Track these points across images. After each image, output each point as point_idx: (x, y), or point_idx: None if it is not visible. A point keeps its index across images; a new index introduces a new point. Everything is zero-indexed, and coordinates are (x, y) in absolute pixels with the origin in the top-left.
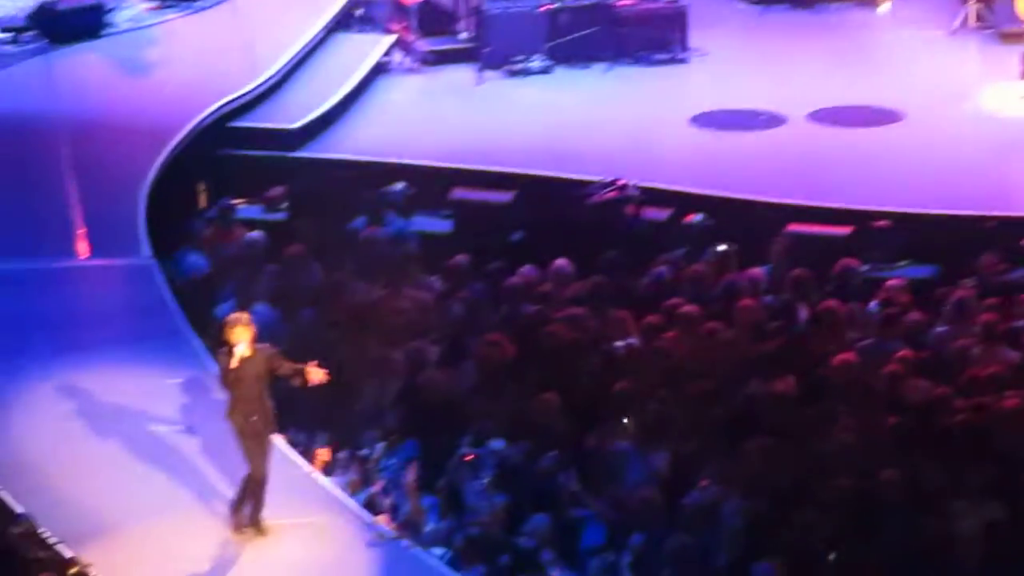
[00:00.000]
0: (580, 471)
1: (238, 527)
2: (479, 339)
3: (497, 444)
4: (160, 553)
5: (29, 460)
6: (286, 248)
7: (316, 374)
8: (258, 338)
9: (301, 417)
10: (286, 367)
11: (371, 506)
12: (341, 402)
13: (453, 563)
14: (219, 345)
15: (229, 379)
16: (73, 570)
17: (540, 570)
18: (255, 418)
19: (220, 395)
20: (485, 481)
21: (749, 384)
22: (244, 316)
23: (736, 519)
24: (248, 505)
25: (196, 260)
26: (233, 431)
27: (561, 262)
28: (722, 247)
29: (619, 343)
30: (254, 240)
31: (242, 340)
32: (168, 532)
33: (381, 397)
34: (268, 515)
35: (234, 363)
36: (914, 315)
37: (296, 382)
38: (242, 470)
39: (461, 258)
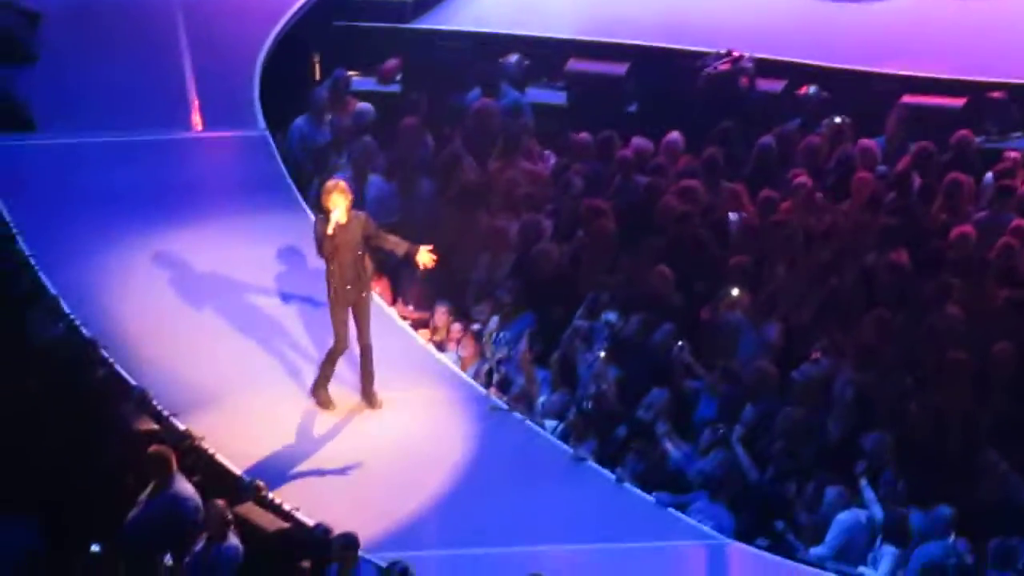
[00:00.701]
0: (693, 344)
1: (325, 402)
2: (587, 209)
3: (610, 316)
4: (266, 423)
5: (138, 331)
6: (401, 120)
7: (424, 256)
8: (372, 210)
9: (414, 290)
10: (385, 238)
11: (484, 379)
12: (454, 275)
13: (564, 436)
14: (317, 212)
15: (325, 246)
16: (186, 443)
17: (654, 442)
18: (350, 287)
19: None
20: (599, 354)
21: (864, 256)
22: (341, 183)
23: (848, 391)
24: (360, 377)
25: (311, 131)
26: (328, 298)
27: (674, 135)
28: (837, 119)
29: (733, 216)
30: (364, 111)
31: (339, 206)
32: (274, 402)
33: (495, 270)
34: (379, 387)
35: (330, 229)
36: None
37: (399, 253)
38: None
39: (579, 133)
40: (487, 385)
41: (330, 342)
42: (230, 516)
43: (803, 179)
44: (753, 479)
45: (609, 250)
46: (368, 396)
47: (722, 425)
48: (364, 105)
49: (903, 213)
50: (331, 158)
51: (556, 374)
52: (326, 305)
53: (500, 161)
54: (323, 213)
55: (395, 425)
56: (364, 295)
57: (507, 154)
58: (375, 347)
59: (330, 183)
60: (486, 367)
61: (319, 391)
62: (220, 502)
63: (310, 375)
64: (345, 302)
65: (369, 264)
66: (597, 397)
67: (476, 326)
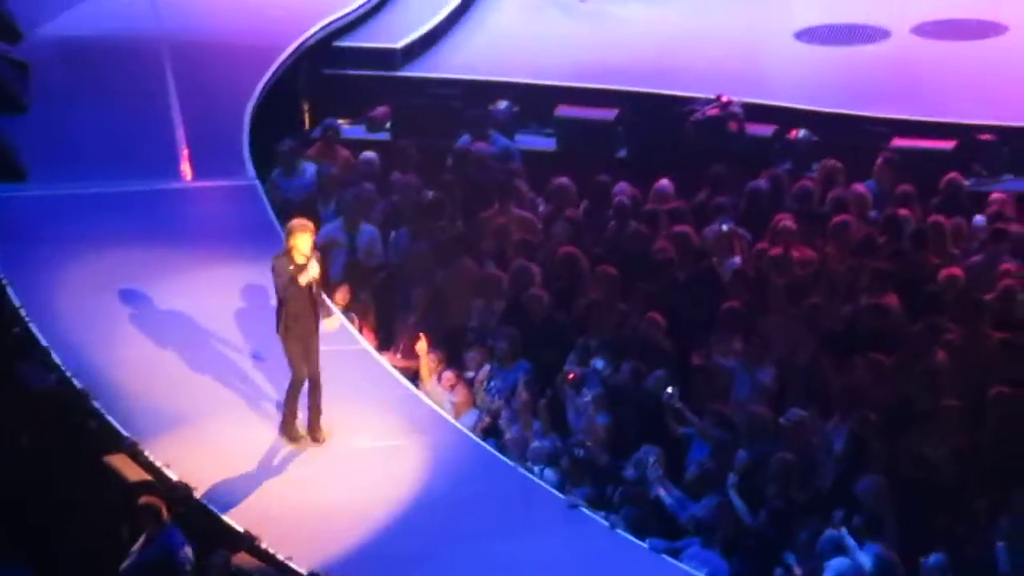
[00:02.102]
0: (685, 389)
1: (296, 438)
2: (586, 260)
3: (598, 363)
4: (261, 470)
5: (130, 381)
6: (391, 168)
7: (330, 323)
8: (365, 257)
9: (404, 338)
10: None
11: (478, 427)
12: (446, 322)
13: (560, 485)
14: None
15: (286, 284)
16: (179, 492)
17: (646, 488)
18: (300, 322)
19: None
20: (588, 400)
21: (856, 300)
22: (308, 223)
23: (841, 436)
24: (305, 411)
25: (300, 180)
26: (279, 333)
27: (663, 181)
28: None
29: (726, 260)
30: (368, 159)
31: (303, 246)
32: (273, 452)
33: (486, 317)
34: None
35: (292, 268)
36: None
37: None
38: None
39: (565, 179)
40: (480, 433)
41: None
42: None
43: (788, 222)
44: (747, 524)
45: (612, 296)
46: (314, 431)
47: (715, 470)
48: (369, 154)
49: (894, 256)
50: (318, 207)
51: (546, 420)
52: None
53: (491, 208)
54: (286, 251)
55: (384, 472)
56: (315, 328)
57: (498, 200)
58: (367, 394)
59: (298, 222)
60: (480, 414)
61: (288, 428)
62: (223, 551)
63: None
64: (296, 336)
65: (320, 299)
66: (588, 445)
67: (469, 373)
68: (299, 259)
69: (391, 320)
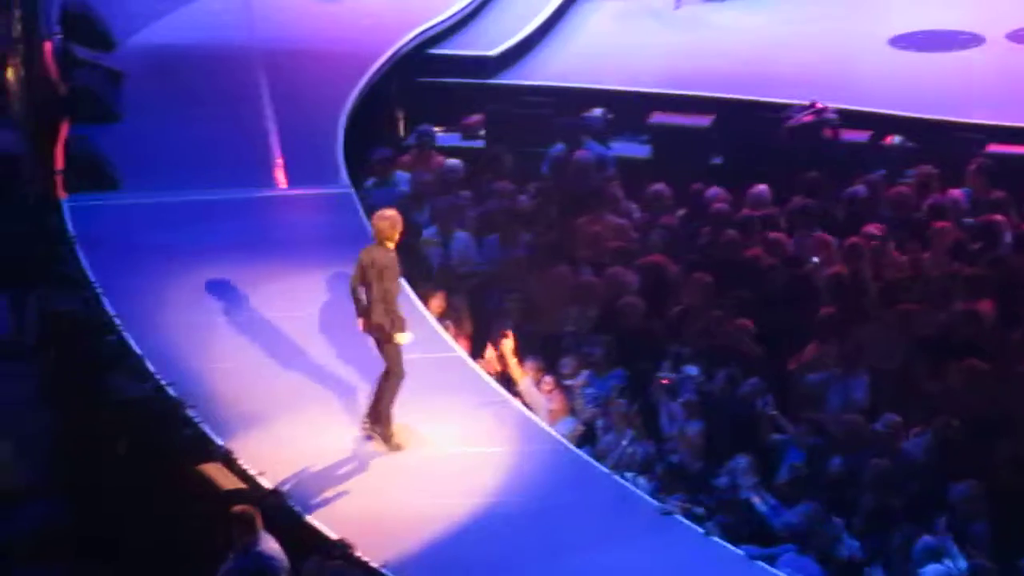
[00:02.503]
0: (780, 396)
1: (391, 440)
2: (681, 269)
3: (691, 370)
4: (358, 476)
5: (225, 390)
6: (485, 175)
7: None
8: (459, 265)
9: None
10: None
11: (573, 434)
12: (542, 329)
13: (654, 492)
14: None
15: (361, 275)
16: (270, 500)
17: (739, 498)
18: (387, 317)
19: None
20: (681, 407)
21: (951, 307)
22: (390, 212)
23: (935, 443)
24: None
25: (393, 190)
26: (389, 332)
27: (760, 187)
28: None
29: (819, 266)
30: (453, 167)
31: (386, 237)
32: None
33: (581, 324)
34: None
35: (367, 258)
36: None
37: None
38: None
39: (660, 186)
40: (577, 441)
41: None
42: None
43: (872, 229)
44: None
45: (706, 303)
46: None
47: (810, 476)
48: (454, 161)
49: (990, 263)
50: (412, 213)
51: (639, 427)
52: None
53: (587, 215)
54: (382, 244)
55: (477, 479)
56: (396, 327)
57: (593, 208)
58: (462, 401)
59: (379, 212)
60: (577, 424)
61: (388, 431)
62: (317, 559)
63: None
64: (381, 332)
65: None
66: (681, 451)
67: (566, 381)
68: (371, 249)
69: (486, 327)
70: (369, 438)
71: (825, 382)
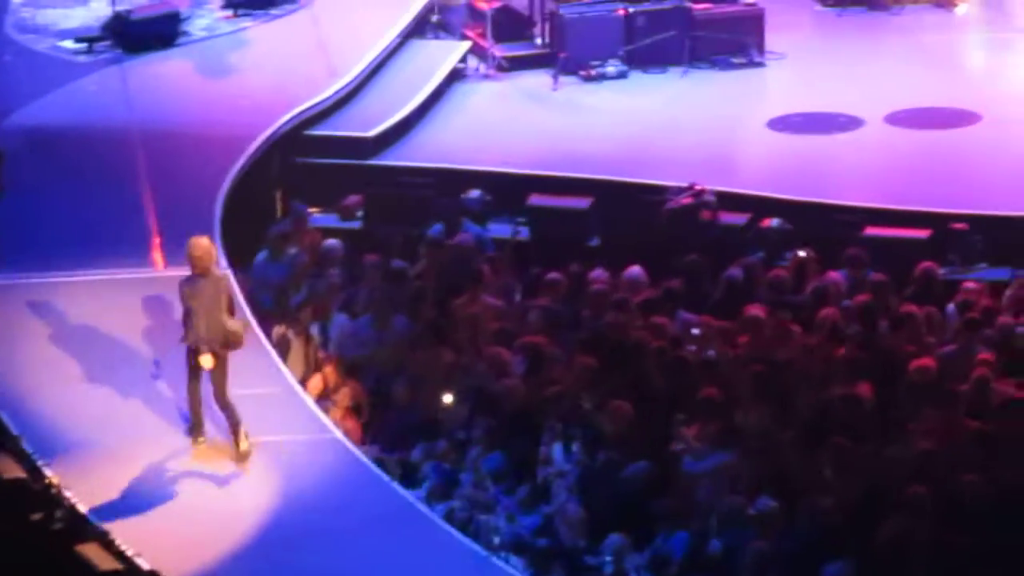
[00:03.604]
0: (659, 479)
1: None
2: (562, 349)
3: (574, 452)
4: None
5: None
6: (363, 257)
7: (204, 360)
8: (340, 346)
9: (383, 428)
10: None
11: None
12: (420, 412)
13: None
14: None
15: (187, 299)
16: None
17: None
18: (212, 339)
19: None
20: (564, 488)
21: (828, 389)
22: (205, 239)
23: (812, 524)
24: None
25: (269, 268)
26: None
27: (635, 269)
28: (801, 252)
29: (699, 349)
30: (333, 247)
31: (205, 263)
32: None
33: (459, 406)
34: None
35: (191, 285)
36: (1003, 318)
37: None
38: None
39: (550, 272)
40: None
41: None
42: None
43: (756, 311)
44: None
45: (576, 386)
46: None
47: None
48: (333, 241)
49: (867, 345)
50: (290, 294)
51: (525, 503)
52: None
53: (463, 296)
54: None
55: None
56: (223, 349)
57: (470, 289)
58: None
59: (195, 239)
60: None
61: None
62: None
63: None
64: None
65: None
66: (563, 532)
67: (443, 463)
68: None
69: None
70: None
71: (704, 464)
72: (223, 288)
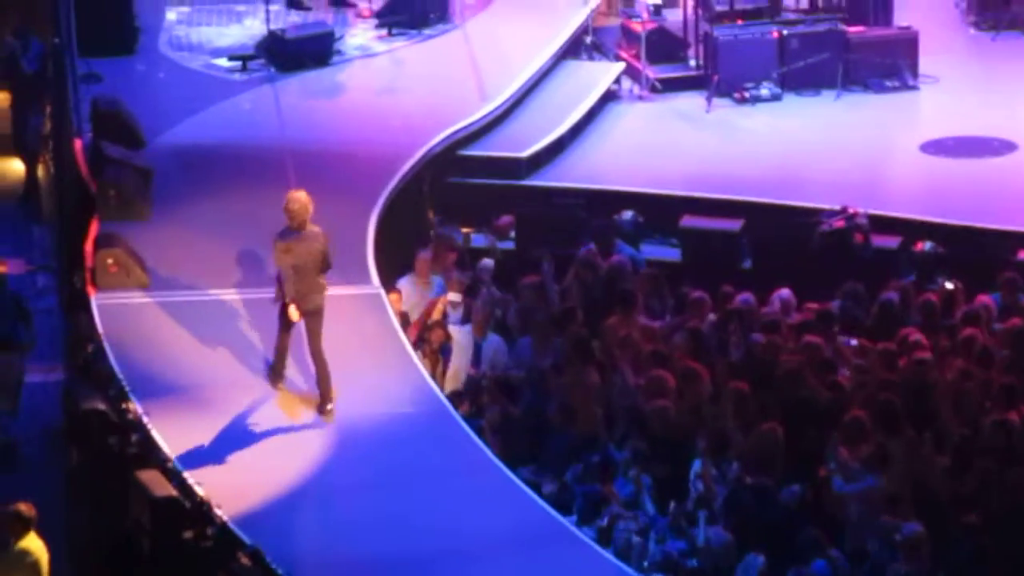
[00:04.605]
0: (809, 503)
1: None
2: (715, 369)
3: (724, 474)
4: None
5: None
6: (520, 277)
7: (292, 313)
8: (494, 366)
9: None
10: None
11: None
12: (572, 432)
13: None
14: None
15: (280, 255)
16: None
17: None
18: (303, 294)
19: None
20: (714, 510)
21: (983, 414)
22: (303, 192)
23: (961, 550)
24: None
25: (412, 291)
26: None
27: (784, 291)
28: (948, 284)
29: (852, 372)
30: (484, 267)
31: (302, 216)
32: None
33: (610, 425)
34: None
35: (285, 240)
36: None
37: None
38: None
39: (695, 291)
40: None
41: None
42: None
43: (916, 336)
44: None
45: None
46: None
47: None
48: (486, 260)
49: (1018, 370)
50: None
51: (670, 529)
52: None
53: (616, 316)
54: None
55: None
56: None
57: (623, 310)
58: None
59: (293, 193)
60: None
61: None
62: None
63: None
64: (308, 311)
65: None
66: (710, 557)
67: (592, 483)
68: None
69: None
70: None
71: (855, 486)
72: (319, 245)
